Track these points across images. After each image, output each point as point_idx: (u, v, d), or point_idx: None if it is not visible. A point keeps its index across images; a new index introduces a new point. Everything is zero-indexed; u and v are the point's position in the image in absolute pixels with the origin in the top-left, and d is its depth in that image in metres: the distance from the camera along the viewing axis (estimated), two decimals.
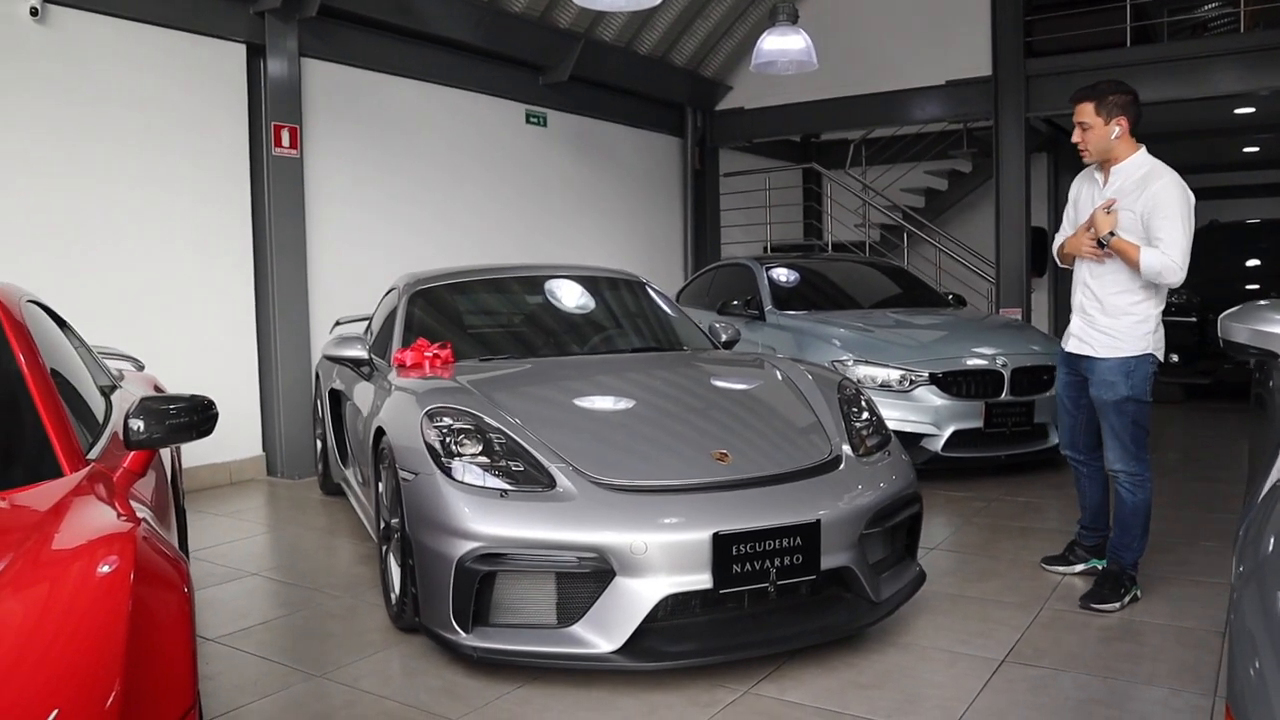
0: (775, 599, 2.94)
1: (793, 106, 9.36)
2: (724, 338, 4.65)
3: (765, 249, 10.14)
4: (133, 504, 1.91)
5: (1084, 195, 3.60)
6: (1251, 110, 9.17)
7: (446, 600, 2.86)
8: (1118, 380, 3.41)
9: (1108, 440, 3.49)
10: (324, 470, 5.55)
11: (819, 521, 2.91)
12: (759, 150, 10.71)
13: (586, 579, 2.80)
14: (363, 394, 4.16)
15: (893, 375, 5.50)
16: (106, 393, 2.84)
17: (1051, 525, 4.59)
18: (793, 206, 11.25)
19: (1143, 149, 3.48)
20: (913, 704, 2.73)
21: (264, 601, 3.81)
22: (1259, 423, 2.98)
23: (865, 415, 3.57)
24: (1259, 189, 13.09)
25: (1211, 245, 8.89)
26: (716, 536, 2.78)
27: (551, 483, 2.92)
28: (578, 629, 2.80)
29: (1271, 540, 1.35)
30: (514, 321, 4.73)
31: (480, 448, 3.04)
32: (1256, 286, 8.57)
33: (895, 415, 5.20)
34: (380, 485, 3.56)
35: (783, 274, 7.02)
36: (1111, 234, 3.38)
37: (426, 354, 3.91)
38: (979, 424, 5.47)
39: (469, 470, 2.97)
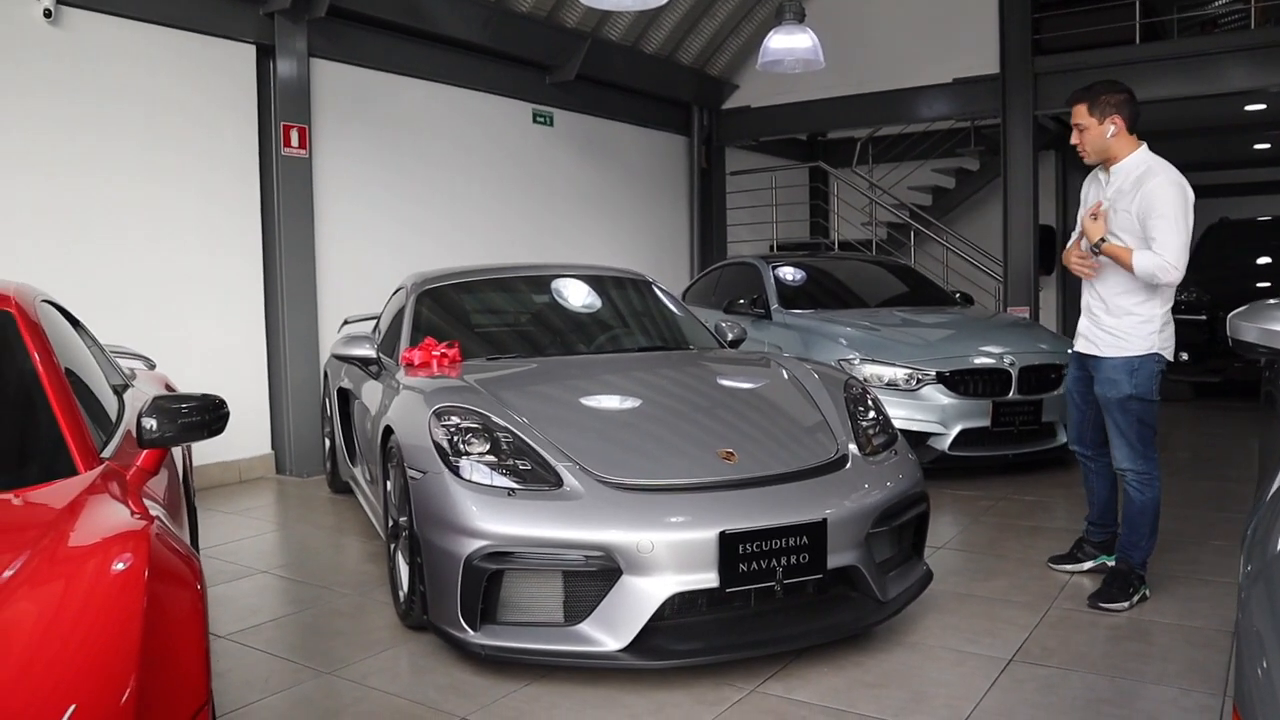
0: (781, 598, 2.94)
1: (799, 105, 9.35)
2: (730, 336, 4.66)
3: (771, 248, 10.12)
4: (146, 502, 1.93)
5: (1091, 197, 3.58)
6: (1262, 107, 9.09)
7: (454, 598, 2.88)
8: (1121, 379, 3.41)
9: (1114, 439, 3.49)
10: (332, 468, 5.58)
11: (825, 520, 2.92)
12: (765, 149, 10.69)
13: (593, 577, 2.81)
14: (371, 393, 4.18)
15: (900, 374, 5.49)
16: (119, 391, 2.86)
17: (1059, 524, 4.58)
18: (799, 205, 11.22)
19: (1143, 147, 3.44)
20: (920, 703, 2.73)
21: (273, 599, 3.83)
22: (1269, 421, 2.97)
23: (872, 414, 3.57)
24: (1269, 186, 13.03)
25: (1221, 242, 8.86)
26: (723, 535, 2.79)
27: (559, 482, 2.93)
28: (585, 627, 2.81)
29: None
30: (521, 321, 4.74)
31: (488, 446, 3.05)
32: (1267, 284, 8.51)
33: (902, 414, 5.18)
34: (388, 484, 3.58)
35: (789, 273, 7.01)
36: (1102, 240, 3.37)
37: (434, 353, 3.92)
38: (986, 423, 5.45)
39: (477, 469, 2.98)
